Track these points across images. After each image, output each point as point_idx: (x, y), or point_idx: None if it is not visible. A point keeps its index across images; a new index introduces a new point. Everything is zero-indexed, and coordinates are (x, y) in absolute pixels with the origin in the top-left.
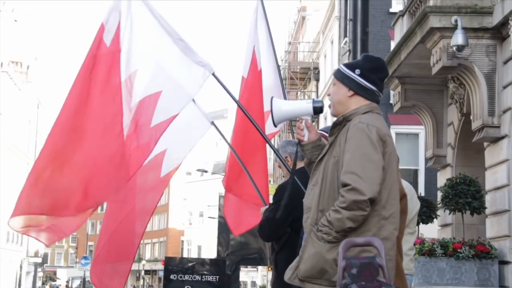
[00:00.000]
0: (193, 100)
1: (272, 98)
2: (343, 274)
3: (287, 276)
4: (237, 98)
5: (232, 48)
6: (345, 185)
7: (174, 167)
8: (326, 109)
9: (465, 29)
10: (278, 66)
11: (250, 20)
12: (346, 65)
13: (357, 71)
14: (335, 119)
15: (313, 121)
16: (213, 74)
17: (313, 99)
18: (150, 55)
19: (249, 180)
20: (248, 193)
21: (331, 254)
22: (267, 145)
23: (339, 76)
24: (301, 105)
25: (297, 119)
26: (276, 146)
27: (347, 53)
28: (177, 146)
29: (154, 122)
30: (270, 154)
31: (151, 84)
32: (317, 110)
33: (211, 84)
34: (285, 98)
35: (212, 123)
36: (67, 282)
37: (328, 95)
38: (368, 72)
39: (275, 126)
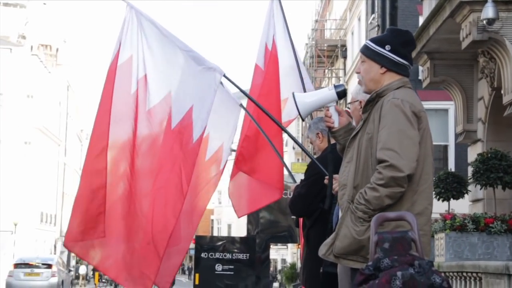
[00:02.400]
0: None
1: (293, 93)
2: (375, 249)
3: (322, 252)
4: (251, 85)
5: (245, 38)
6: (382, 161)
7: (216, 148)
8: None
9: (495, 2)
10: (294, 48)
11: (267, 7)
12: (374, 41)
13: (388, 46)
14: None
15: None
16: (224, 75)
17: (334, 85)
18: (171, 74)
19: (264, 159)
20: (263, 171)
21: (366, 234)
22: (283, 133)
23: (368, 53)
24: (324, 94)
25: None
26: (297, 127)
27: (376, 29)
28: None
29: (195, 137)
30: (298, 133)
31: (183, 103)
32: (341, 94)
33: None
34: (302, 82)
35: (241, 105)
36: None
37: (357, 72)
38: (399, 46)
39: (303, 120)
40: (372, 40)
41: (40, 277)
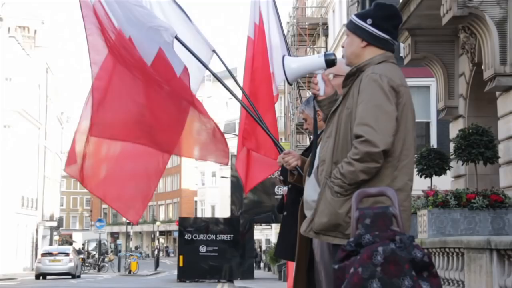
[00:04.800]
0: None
1: (283, 57)
2: (356, 225)
3: (303, 228)
4: (244, 58)
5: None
6: (358, 136)
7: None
8: None
9: None
10: (281, 24)
11: None
12: (358, 15)
13: (369, 20)
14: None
15: None
16: (214, 51)
17: (325, 52)
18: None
19: (265, 134)
20: (265, 146)
21: (344, 208)
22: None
23: (351, 27)
24: (313, 60)
25: (312, 74)
26: (280, 107)
27: (355, 5)
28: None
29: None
30: (281, 113)
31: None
32: (329, 63)
33: (219, 46)
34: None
35: (214, 51)
36: (83, 244)
37: (342, 46)
38: (381, 20)
39: (290, 84)
40: (356, 14)
41: (60, 263)
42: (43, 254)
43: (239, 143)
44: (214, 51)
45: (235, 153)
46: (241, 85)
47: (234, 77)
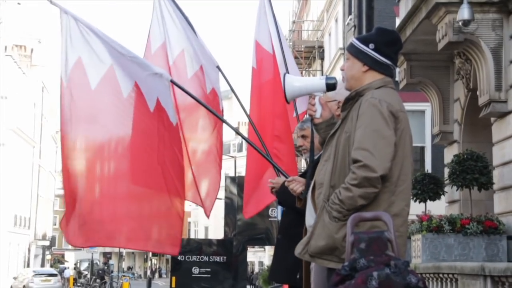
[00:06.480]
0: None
1: (284, 74)
2: (351, 249)
3: (298, 250)
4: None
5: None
6: (356, 161)
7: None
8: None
9: (470, 3)
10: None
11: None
12: (360, 39)
13: (371, 45)
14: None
15: None
16: (218, 67)
17: (326, 76)
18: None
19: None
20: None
21: (341, 233)
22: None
23: (353, 50)
24: (314, 82)
25: (310, 95)
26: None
27: (352, 29)
28: None
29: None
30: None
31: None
32: (330, 87)
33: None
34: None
35: (218, 67)
36: (75, 264)
37: (342, 69)
38: (383, 46)
39: (288, 102)
40: (358, 38)
41: (51, 282)
42: (35, 275)
43: (252, 166)
44: (218, 67)
45: (230, 175)
46: (245, 108)
47: (238, 97)
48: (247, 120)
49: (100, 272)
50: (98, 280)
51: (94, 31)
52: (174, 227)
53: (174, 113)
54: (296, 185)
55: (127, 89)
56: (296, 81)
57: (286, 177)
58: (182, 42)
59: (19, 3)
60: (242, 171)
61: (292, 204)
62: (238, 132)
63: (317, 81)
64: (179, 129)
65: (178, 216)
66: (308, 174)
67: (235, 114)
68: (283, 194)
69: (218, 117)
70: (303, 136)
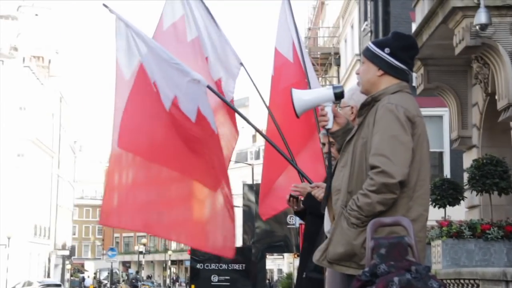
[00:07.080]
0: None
1: (291, 89)
2: (372, 255)
3: (316, 257)
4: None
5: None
6: (374, 167)
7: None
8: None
9: (488, 7)
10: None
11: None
12: (375, 43)
13: (387, 49)
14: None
15: None
16: (241, 64)
17: (333, 85)
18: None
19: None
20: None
21: (359, 239)
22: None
23: (368, 54)
24: (322, 93)
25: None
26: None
27: (369, 34)
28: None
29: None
30: None
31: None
32: (338, 96)
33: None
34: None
35: (241, 64)
36: (95, 274)
37: (357, 73)
38: (398, 50)
39: (298, 117)
40: (374, 42)
41: None
42: (41, 286)
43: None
44: (241, 64)
45: (247, 182)
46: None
47: (263, 99)
48: (264, 127)
49: (134, 281)
50: None
51: (143, 39)
52: (230, 230)
53: (214, 121)
54: (319, 191)
55: (167, 103)
56: (304, 94)
57: (310, 183)
58: (208, 49)
59: (36, 15)
60: (259, 178)
61: (318, 211)
62: (257, 129)
63: (325, 92)
64: (219, 137)
65: (231, 218)
66: (328, 184)
67: (252, 121)
68: (310, 201)
69: (242, 117)
70: (324, 144)
